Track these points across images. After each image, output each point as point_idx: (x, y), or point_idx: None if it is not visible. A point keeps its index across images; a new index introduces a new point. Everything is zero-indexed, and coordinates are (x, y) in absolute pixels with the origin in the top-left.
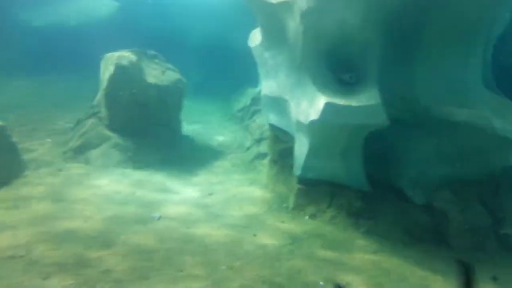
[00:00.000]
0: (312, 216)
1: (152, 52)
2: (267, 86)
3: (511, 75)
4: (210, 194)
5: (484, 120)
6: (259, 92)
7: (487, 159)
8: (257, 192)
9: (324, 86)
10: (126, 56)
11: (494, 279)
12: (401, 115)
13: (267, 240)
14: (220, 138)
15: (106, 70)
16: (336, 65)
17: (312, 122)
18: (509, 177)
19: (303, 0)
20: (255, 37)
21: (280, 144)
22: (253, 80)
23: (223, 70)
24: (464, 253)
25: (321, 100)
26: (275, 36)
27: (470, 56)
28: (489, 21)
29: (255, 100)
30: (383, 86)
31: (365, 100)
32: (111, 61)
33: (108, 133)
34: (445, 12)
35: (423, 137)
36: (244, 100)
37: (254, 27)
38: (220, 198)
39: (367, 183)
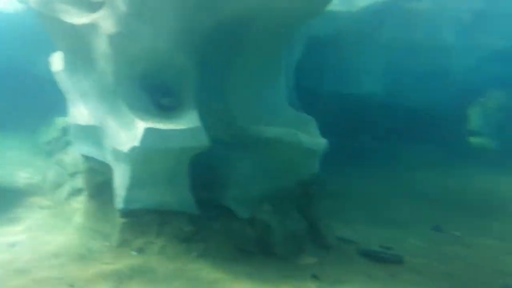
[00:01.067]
0: (140, 250)
1: None
2: (77, 114)
3: (310, 95)
4: (13, 246)
5: (292, 136)
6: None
7: (298, 170)
8: (73, 235)
9: (142, 111)
10: None
11: (314, 277)
12: (221, 136)
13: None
14: (24, 176)
15: None
16: (154, 89)
17: (132, 149)
18: (317, 183)
19: (109, 23)
20: (57, 61)
21: (98, 176)
22: (63, 108)
23: (26, 99)
24: (288, 259)
25: (140, 126)
26: (81, 59)
27: (275, 80)
28: (287, 52)
29: (67, 130)
30: (203, 109)
31: (186, 124)
32: None
33: None
34: (249, 42)
35: (242, 156)
36: (53, 131)
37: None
38: (26, 249)
39: (196, 206)
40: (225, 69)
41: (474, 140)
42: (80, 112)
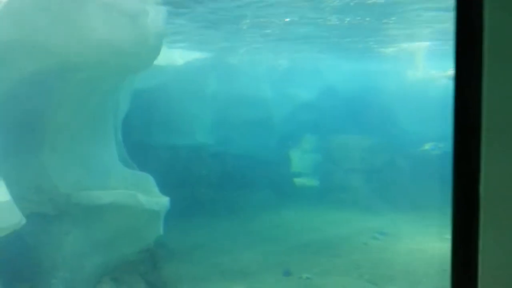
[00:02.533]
0: None
1: None
2: None
3: (140, 149)
4: None
5: (129, 198)
6: None
7: (141, 235)
8: None
9: None
10: None
11: None
12: (40, 208)
13: None
14: None
15: None
16: None
17: None
18: (164, 245)
19: None
20: None
21: None
22: None
23: None
24: None
25: None
26: None
27: (103, 137)
28: (114, 109)
29: None
30: (11, 178)
31: None
32: None
33: None
34: (69, 96)
35: (70, 229)
36: None
37: None
38: None
39: None
40: (38, 128)
41: (297, 180)
42: None
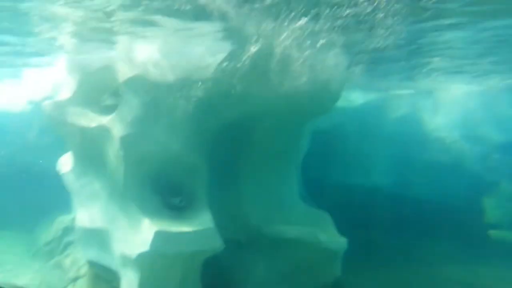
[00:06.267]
0: None
1: None
2: (83, 217)
3: (319, 187)
4: None
5: (310, 235)
6: (73, 220)
7: (320, 273)
8: None
9: (152, 213)
10: None
11: None
12: (234, 235)
13: None
14: (22, 282)
15: None
16: (164, 189)
17: (141, 255)
18: (338, 286)
19: (122, 124)
20: (66, 162)
21: (103, 284)
22: (65, 207)
23: (25, 196)
24: None
25: (150, 229)
26: (91, 161)
27: (286, 175)
28: (296, 149)
29: (68, 230)
30: (214, 207)
31: (198, 225)
32: None
33: None
34: (258, 139)
35: (257, 258)
36: (54, 231)
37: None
38: None
39: None
40: (235, 166)
41: (494, 232)
42: (88, 215)
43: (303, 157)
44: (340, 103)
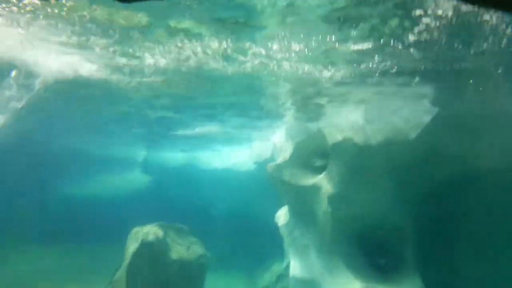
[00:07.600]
0: None
1: (179, 225)
2: (296, 267)
3: None
4: None
5: None
6: (286, 269)
7: None
8: None
9: (359, 271)
10: (152, 231)
11: None
12: None
13: None
14: None
15: (132, 245)
16: (369, 249)
17: None
18: None
19: (330, 184)
20: (282, 216)
21: None
22: (279, 255)
23: (247, 242)
24: None
25: (355, 285)
26: (303, 216)
27: None
28: None
29: (281, 277)
30: (423, 272)
31: None
32: (137, 236)
33: None
34: (478, 201)
35: None
36: (269, 277)
37: (278, 201)
38: None
39: None
40: (449, 232)
41: None
42: (300, 266)
43: None
44: None
